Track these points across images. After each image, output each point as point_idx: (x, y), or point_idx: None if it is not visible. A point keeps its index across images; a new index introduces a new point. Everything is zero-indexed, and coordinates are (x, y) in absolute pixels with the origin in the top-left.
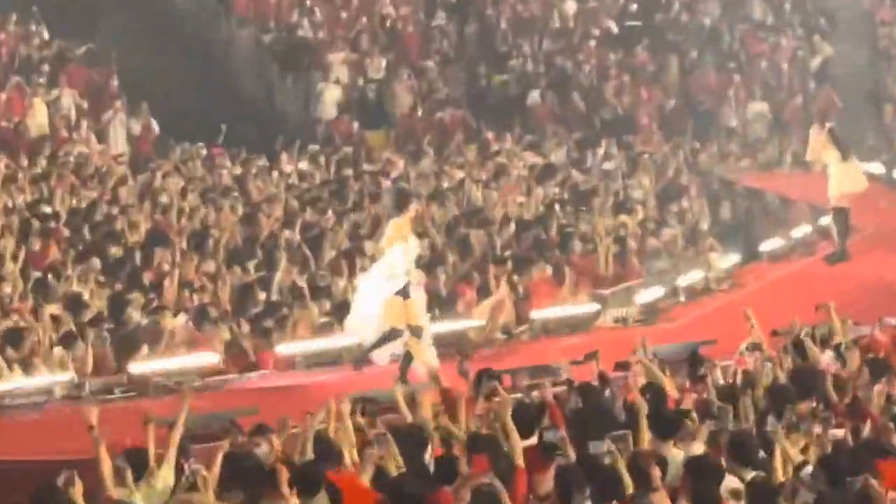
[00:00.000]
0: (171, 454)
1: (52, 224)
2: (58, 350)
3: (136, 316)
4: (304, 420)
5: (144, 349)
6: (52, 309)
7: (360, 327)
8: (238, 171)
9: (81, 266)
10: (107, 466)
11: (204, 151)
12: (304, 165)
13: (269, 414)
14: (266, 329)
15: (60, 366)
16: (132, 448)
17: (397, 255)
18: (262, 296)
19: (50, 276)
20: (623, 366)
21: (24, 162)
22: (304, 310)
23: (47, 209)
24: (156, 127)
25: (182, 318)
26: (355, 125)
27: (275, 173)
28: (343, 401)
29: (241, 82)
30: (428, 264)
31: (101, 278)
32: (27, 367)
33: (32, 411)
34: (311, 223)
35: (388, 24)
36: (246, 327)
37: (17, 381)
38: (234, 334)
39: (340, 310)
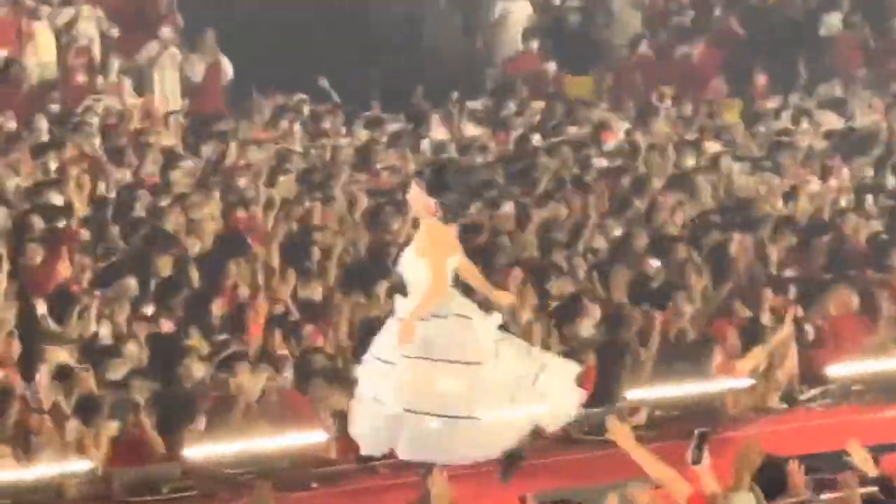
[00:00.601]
0: None
1: (63, 222)
2: (71, 424)
3: (196, 370)
4: None
5: (204, 422)
6: (60, 357)
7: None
8: (361, 138)
9: (108, 289)
10: None
11: (306, 109)
12: (468, 130)
13: None
14: None
15: (75, 449)
16: None
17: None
18: None
19: (57, 305)
20: None
21: (15, 124)
22: None
23: (55, 199)
24: (229, 69)
25: (269, 374)
26: (550, 66)
27: (423, 143)
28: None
29: (367, 1)
30: (660, 289)
31: (141, 309)
32: (21, 450)
33: None
34: (477, 222)
35: None
36: None
37: (6, 473)
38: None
39: None
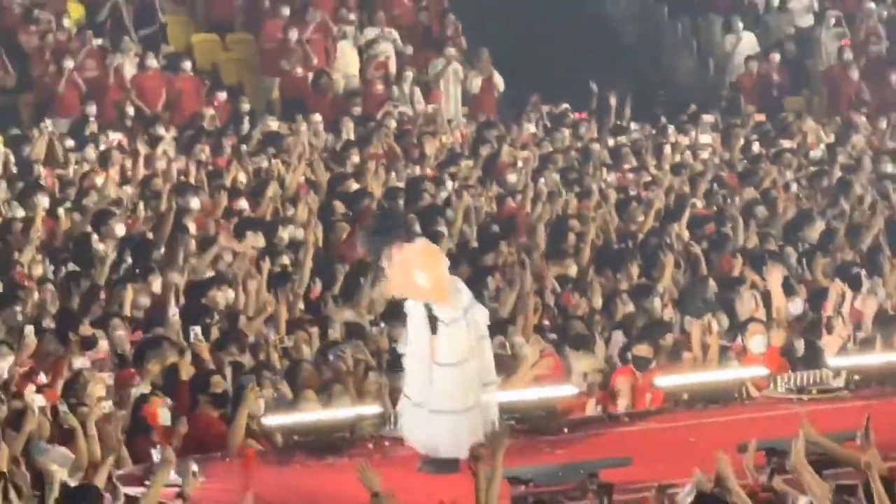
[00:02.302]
0: None
1: (364, 202)
2: (371, 376)
3: None
4: (688, 478)
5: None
6: (346, 316)
7: None
8: (611, 141)
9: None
10: None
11: (569, 116)
12: (704, 138)
13: (645, 465)
14: (641, 358)
15: (371, 396)
16: None
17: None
18: (632, 308)
19: (352, 274)
20: None
21: (321, 123)
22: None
23: (354, 185)
24: (501, 82)
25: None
26: (773, 83)
27: (665, 148)
28: (747, 451)
29: (618, 27)
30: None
31: None
32: (325, 396)
33: (330, 453)
34: (705, 214)
35: None
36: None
37: (311, 414)
38: (603, 360)
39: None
